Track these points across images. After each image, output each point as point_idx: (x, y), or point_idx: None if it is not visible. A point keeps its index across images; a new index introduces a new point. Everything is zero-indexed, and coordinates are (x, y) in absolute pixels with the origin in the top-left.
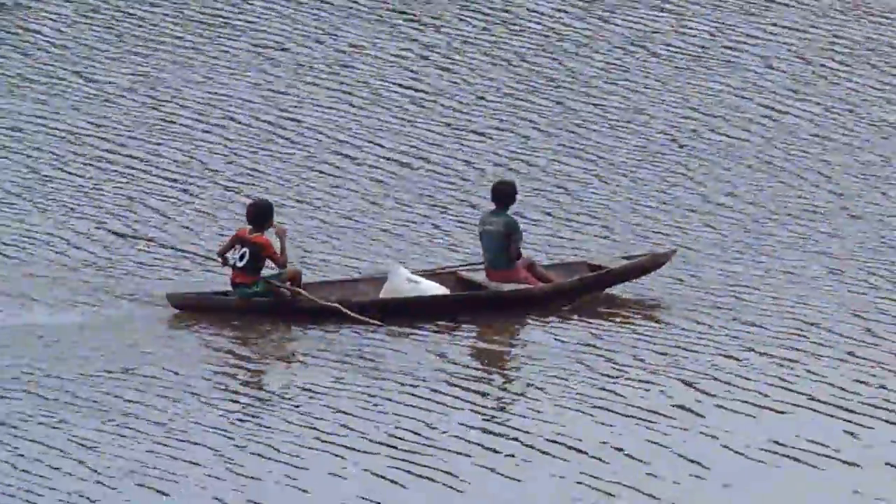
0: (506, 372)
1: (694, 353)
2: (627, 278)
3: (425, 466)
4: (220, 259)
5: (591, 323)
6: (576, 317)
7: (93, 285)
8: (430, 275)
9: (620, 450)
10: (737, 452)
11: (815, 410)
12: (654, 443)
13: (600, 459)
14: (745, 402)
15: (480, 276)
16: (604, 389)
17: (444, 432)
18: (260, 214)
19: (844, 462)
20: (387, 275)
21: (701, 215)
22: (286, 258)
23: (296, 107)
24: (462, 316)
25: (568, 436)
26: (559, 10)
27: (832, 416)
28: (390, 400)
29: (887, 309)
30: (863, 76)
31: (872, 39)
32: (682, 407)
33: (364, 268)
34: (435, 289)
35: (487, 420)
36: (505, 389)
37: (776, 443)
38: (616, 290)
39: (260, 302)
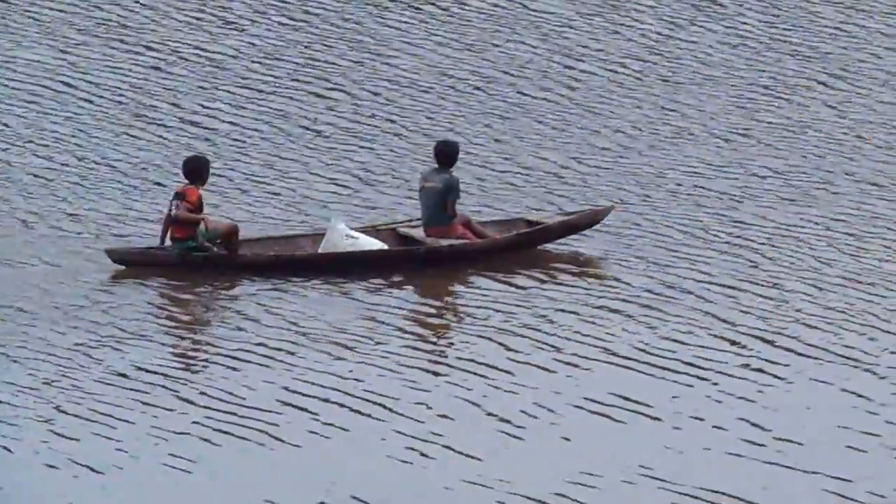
0: (382, 330)
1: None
2: (564, 234)
3: (244, 427)
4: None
5: (516, 280)
6: (505, 273)
7: (30, 240)
8: (369, 230)
9: (434, 408)
10: (547, 409)
11: (626, 367)
12: (467, 400)
13: (414, 419)
14: (560, 360)
15: (419, 233)
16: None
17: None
18: (192, 169)
19: (653, 417)
20: (325, 230)
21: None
22: (198, 219)
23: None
24: (400, 272)
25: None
26: None
27: (644, 373)
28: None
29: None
30: None
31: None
32: (491, 365)
33: (305, 223)
34: (373, 244)
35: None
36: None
37: (587, 399)
38: (551, 247)
39: (197, 256)
